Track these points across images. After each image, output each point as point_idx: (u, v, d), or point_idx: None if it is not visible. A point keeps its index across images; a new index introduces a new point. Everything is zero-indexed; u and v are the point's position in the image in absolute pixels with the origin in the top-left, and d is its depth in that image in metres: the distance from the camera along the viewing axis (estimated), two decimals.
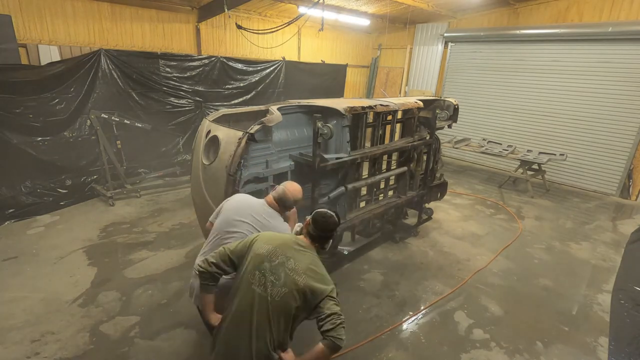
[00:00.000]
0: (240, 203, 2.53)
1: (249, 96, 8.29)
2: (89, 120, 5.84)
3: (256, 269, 1.88)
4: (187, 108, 7.37)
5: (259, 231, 2.32)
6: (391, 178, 4.97)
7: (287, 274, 1.85)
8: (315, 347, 1.80)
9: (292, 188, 2.58)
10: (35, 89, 5.39)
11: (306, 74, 9.53)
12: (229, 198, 2.65)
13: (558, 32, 8.11)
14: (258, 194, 3.57)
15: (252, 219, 2.40)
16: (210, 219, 2.61)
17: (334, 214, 2.08)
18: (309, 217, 2.11)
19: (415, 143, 4.75)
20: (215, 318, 2.05)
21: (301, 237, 2.09)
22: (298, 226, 2.16)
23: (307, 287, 1.83)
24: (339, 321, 1.78)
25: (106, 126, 6.03)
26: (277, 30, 7.32)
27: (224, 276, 2.07)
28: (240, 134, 3.20)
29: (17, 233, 4.97)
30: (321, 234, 2.03)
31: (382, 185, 5.04)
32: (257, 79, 8.37)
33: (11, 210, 5.29)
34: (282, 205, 2.54)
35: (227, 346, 1.87)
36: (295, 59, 10.05)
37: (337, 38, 11.32)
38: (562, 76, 8.31)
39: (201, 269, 1.99)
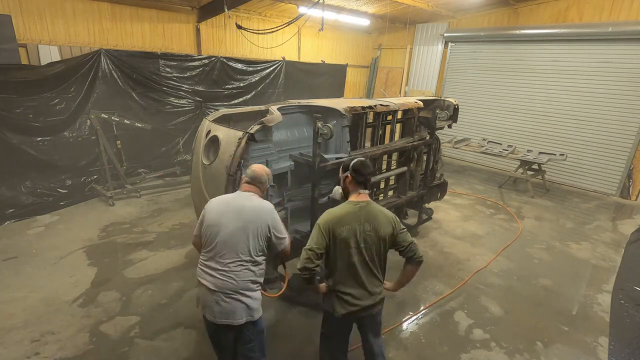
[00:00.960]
0: (220, 207, 2.41)
1: (249, 96, 8.29)
2: (89, 120, 5.85)
3: (347, 247, 2.29)
4: (187, 108, 7.37)
5: (248, 226, 2.31)
6: (391, 178, 4.96)
7: (370, 236, 2.30)
8: (405, 269, 2.43)
9: (258, 166, 2.59)
10: (35, 89, 5.39)
11: (306, 74, 9.53)
12: (205, 207, 2.50)
13: (558, 32, 8.12)
14: None
15: (236, 219, 2.33)
16: (194, 234, 2.46)
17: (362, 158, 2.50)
18: (347, 173, 2.42)
19: (415, 143, 4.74)
20: (324, 288, 2.48)
21: (353, 197, 2.40)
22: (337, 191, 2.37)
23: (387, 235, 2.32)
24: (414, 247, 2.37)
25: (106, 126, 6.03)
26: (277, 30, 7.32)
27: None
28: (240, 134, 3.20)
29: (17, 233, 4.97)
30: (365, 177, 2.39)
31: (382, 185, 5.04)
32: (257, 79, 8.37)
33: (11, 210, 5.29)
34: (259, 183, 2.54)
35: (353, 297, 2.32)
36: (295, 59, 10.06)
37: (337, 38, 11.32)
38: (562, 76, 8.31)
39: (306, 276, 2.29)
